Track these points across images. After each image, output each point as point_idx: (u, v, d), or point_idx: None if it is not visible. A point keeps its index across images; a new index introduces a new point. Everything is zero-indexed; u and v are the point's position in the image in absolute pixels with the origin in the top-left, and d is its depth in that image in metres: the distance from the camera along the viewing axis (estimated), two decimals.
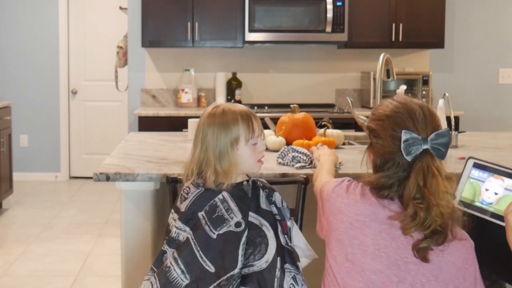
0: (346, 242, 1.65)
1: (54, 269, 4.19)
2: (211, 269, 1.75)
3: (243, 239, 1.77)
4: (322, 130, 2.93)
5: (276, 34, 5.20)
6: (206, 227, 1.78)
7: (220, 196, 1.81)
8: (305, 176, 2.10)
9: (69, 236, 4.95)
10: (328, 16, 5.11)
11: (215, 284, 1.73)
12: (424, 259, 1.59)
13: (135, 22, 5.42)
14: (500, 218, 1.69)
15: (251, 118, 1.84)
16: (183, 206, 1.84)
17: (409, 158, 1.58)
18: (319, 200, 1.83)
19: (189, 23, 5.22)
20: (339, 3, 5.13)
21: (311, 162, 2.42)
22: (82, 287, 3.90)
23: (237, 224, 1.78)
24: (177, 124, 4.66)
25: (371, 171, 1.74)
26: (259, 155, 1.86)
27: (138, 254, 2.41)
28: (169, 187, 2.11)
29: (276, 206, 1.87)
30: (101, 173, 2.30)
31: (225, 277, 1.74)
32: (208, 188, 1.83)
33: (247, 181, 1.87)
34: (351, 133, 3.62)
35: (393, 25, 5.32)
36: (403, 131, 1.59)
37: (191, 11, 5.21)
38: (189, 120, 3.25)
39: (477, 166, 1.78)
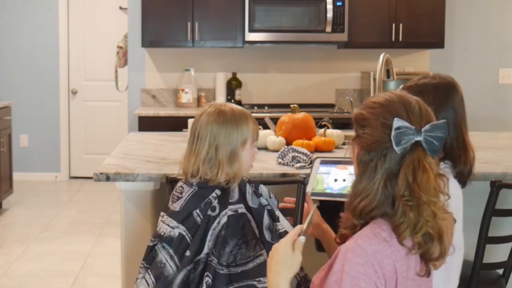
0: None
1: (54, 269, 4.19)
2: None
3: (215, 224, 1.79)
4: (322, 130, 2.93)
5: (276, 34, 5.20)
6: (204, 224, 1.80)
7: (213, 194, 1.83)
8: (304, 176, 2.10)
9: (69, 236, 4.95)
10: (328, 16, 5.11)
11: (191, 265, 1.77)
12: (426, 272, 1.45)
13: (135, 22, 5.42)
14: None
15: (254, 121, 1.86)
16: (176, 206, 1.83)
17: (398, 149, 1.42)
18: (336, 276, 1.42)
19: (189, 23, 5.21)
20: (339, 3, 5.13)
21: (311, 162, 2.42)
22: (82, 287, 3.90)
23: (213, 209, 1.82)
24: (177, 124, 4.65)
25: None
26: (254, 159, 1.89)
27: (138, 254, 2.40)
28: (169, 187, 2.10)
29: (264, 198, 1.89)
30: (101, 173, 2.30)
31: (202, 255, 1.78)
32: (201, 186, 1.83)
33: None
34: (351, 133, 3.61)
35: (393, 25, 5.32)
36: (395, 118, 1.43)
37: (191, 11, 5.21)
38: (189, 120, 3.24)
39: (323, 162, 2.03)
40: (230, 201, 1.83)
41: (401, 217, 1.41)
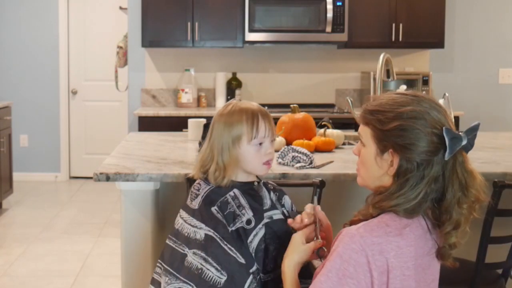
0: None
1: (54, 269, 4.19)
2: (243, 260, 1.73)
3: (251, 237, 1.76)
4: (322, 130, 2.93)
5: (276, 34, 5.20)
6: (224, 221, 1.76)
7: (231, 193, 1.80)
8: (320, 179, 2.08)
9: (69, 236, 4.95)
10: (328, 16, 5.11)
11: (251, 277, 1.72)
12: (452, 264, 1.54)
13: (135, 22, 5.42)
14: None
15: (258, 118, 1.79)
16: (195, 204, 1.81)
17: (448, 157, 1.46)
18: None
19: (189, 23, 5.21)
20: (339, 3, 5.13)
21: (311, 162, 2.42)
22: (82, 287, 3.90)
23: (248, 222, 1.77)
24: (177, 124, 4.66)
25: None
26: (265, 157, 1.80)
27: (138, 254, 2.41)
28: (187, 185, 2.09)
29: (286, 209, 1.86)
30: (101, 173, 2.30)
31: (254, 268, 1.74)
32: (218, 185, 1.82)
33: (258, 182, 1.85)
34: (351, 133, 3.62)
35: (393, 25, 5.32)
36: (444, 128, 1.47)
37: (191, 11, 5.21)
38: (189, 120, 3.25)
39: None
40: (264, 208, 1.82)
41: (456, 222, 1.48)
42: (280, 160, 2.50)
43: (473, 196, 1.49)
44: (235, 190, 1.81)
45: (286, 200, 1.88)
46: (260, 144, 1.79)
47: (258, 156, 1.79)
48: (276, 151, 2.63)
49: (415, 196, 1.47)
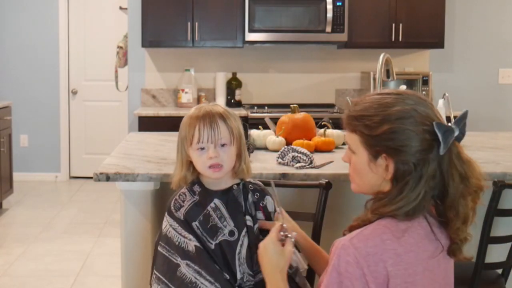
0: None
1: (54, 269, 4.19)
2: (226, 276, 1.73)
3: (238, 248, 1.75)
4: (322, 130, 2.93)
5: (276, 34, 5.20)
6: (203, 238, 1.76)
7: (212, 205, 1.79)
8: (327, 180, 2.07)
9: (69, 236, 4.95)
10: (328, 16, 5.11)
11: None
12: (465, 258, 1.53)
13: (135, 22, 5.42)
14: None
15: (200, 123, 1.79)
16: (180, 214, 1.80)
17: (443, 151, 1.44)
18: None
19: (189, 23, 5.22)
20: (339, 3, 5.13)
21: (311, 162, 2.42)
22: (82, 287, 3.90)
23: (231, 233, 1.76)
24: (177, 124, 4.57)
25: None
26: (208, 162, 1.77)
27: (138, 254, 2.41)
28: None
29: (266, 211, 1.82)
30: (101, 173, 2.30)
31: (236, 285, 1.74)
32: (202, 194, 1.81)
33: (238, 184, 1.83)
34: None
35: (393, 25, 5.32)
36: (434, 122, 1.44)
37: (191, 11, 5.21)
38: None
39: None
40: (244, 211, 1.80)
41: (464, 216, 1.46)
42: (280, 160, 2.50)
43: (474, 185, 1.47)
44: (216, 201, 1.79)
45: (268, 201, 1.84)
46: (202, 149, 1.78)
47: (201, 160, 1.78)
48: (276, 151, 2.64)
49: (415, 197, 1.43)
